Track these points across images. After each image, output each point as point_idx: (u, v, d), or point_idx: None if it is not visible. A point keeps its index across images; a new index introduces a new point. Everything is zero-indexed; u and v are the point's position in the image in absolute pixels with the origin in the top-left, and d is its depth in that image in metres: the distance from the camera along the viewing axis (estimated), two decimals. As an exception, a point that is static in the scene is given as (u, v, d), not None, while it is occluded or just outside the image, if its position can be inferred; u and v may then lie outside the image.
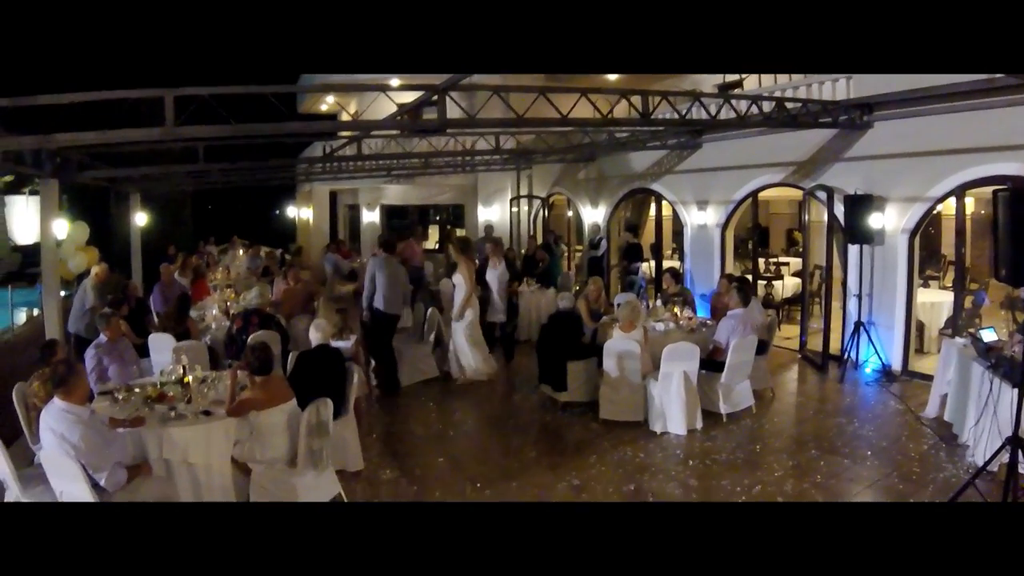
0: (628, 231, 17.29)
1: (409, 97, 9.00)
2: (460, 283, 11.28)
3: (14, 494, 5.94)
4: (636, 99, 9.62)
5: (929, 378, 9.91)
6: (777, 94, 12.28)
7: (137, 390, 7.28)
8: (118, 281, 12.00)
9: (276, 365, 7.02)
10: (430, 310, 11.86)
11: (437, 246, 25.66)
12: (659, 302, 11.96)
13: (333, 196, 29.16)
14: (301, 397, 6.61)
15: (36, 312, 14.17)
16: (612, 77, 19.87)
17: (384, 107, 9.65)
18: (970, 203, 11.40)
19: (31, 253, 28.94)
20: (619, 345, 9.18)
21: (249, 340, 9.09)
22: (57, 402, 5.63)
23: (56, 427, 5.53)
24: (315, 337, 7.92)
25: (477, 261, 12.59)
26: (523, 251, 18.40)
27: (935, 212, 11.43)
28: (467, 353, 11.35)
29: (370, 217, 25.64)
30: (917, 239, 11.23)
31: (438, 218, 28.25)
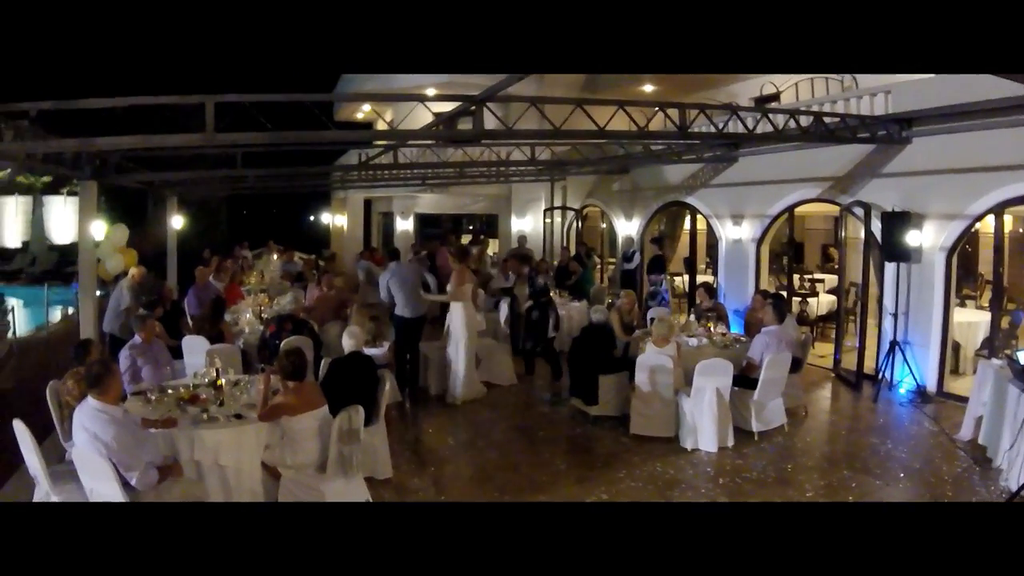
0: (653, 243, 17.19)
1: (445, 107, 9.04)
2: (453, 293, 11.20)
3: (44, 490, 6.01)
4: (673, 112, 9.60)
5: (964, 399, 9.75)
6: (815, 108, 12.19)
7: (170, 391, 7.34)
8: (154, 283, 12.13)
9: (309, 371, 7.05)
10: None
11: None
12: (692, 317, 11.88)
13: (367, 204, 29.30)
14: (333, 404, 6.63)
15: (71, 311, 14.39)
16: (648, 88, 19.87)
17: (420, 116, 9.71)
18: (1008, 221, 11.24)
19: (67, 252, 29.47)
20: (652, 359, 9.12)
21: (282, 345, 9.16)
22: (91, 401, 5.68)
23: (89, 426, 5.58)
24: (348, 344, 7.95)
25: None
26: (555, 262, 18.35)
27: (973, 230, 11.28)
28: (458, 375, 11.00)
29: (404, 225, 25.73)
30: (955, 257, 11.08)
31: (471, 228, 28.30)
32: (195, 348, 9.75)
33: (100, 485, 5.51)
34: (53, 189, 33.46)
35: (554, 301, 12.58)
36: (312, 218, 44.50)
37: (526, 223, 23.61)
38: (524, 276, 13.24)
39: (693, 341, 10.27)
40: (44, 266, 30.08)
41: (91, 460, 5.54)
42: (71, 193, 33.39)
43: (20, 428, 5.90)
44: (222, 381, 7.41)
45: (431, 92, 21.40)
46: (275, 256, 22.64)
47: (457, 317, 10.94)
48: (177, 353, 9.83)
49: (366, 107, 27.20)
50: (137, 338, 8.69)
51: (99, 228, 12.05)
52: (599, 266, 21.58)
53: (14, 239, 34.60)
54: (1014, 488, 6.98)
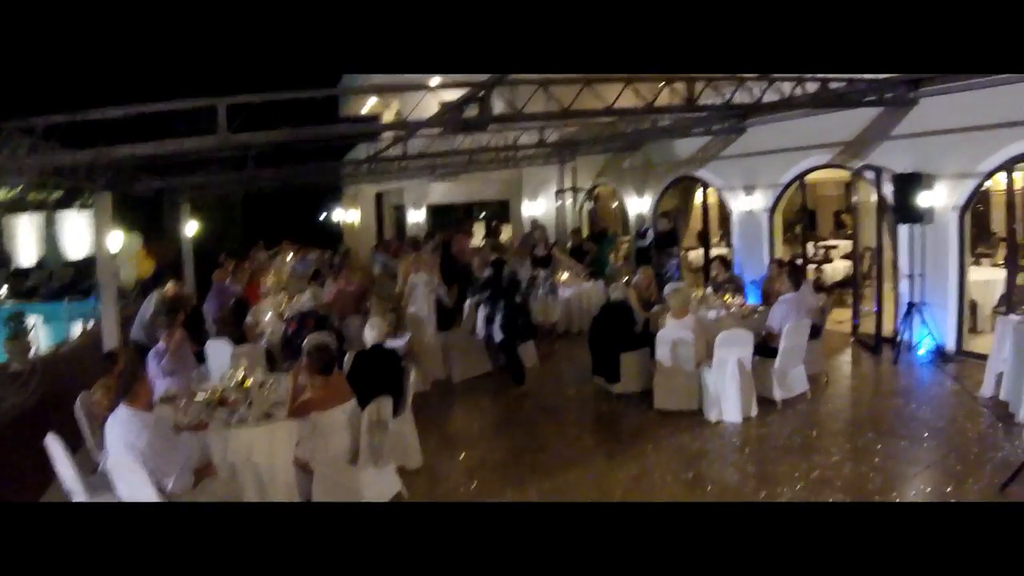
0: (662, 217, 17.14)
1: (451, 94, 9.08)
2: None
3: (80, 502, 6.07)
4: (680, 85, 9.61)
5: (984, 357, 9.73)
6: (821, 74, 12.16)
7: (198, 396, 7.43)
8: (186, 299, 12.16)
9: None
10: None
11: (483, 243, 25.73)
12: (709, 289, 11.90)
13: (379, 197, 29.38)
14: (360, 396, 6.71)
15: (91, 323, 14.50)
16: (653, 67, 19.80)
17: (426, 105, 9.75)
18: (1019, 177, 11.21)
19: (83, 267, 29.66)
20: (672, 333, 9.17)
21: (307, 341, 9.25)
22: (123, 409, 5.71)
23: (123, 434, 5.62)
24: (370, 337, 8.01)
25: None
26: (568, 243, 18.37)
27: (984, 188, 11.26)
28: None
29: (416, 217, 25.79)
30: (968, 216, 11.07)
31: (483, 214, 28.31)
32: (218, 351, 9.86)
33: (136, 492, 5.55)
34: (65, 204, 33.68)
35: (526, 302, 12.08)
36: (325, 214, 44.57)
37: (538, 206, 23.57)
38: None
39: (712, 314, 10.31)
40: (61, 282, 30.26)
41: (126, 468, 5.59)
42: (83, 206, 33.62)
43: (53, 441, 5.95)
44: (249, 382, 7.49)
45: (436, 81, 21.48)
46: (290, 256, 22.71)
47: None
48: (200, 358, 9.92)
49: (372, 101, 27.23)
50: (162, 344, 8.79)
51: (116, 238, 12.15)
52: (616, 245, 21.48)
53: (30, 257, 34.87)
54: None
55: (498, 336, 10.94)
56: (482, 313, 11.28)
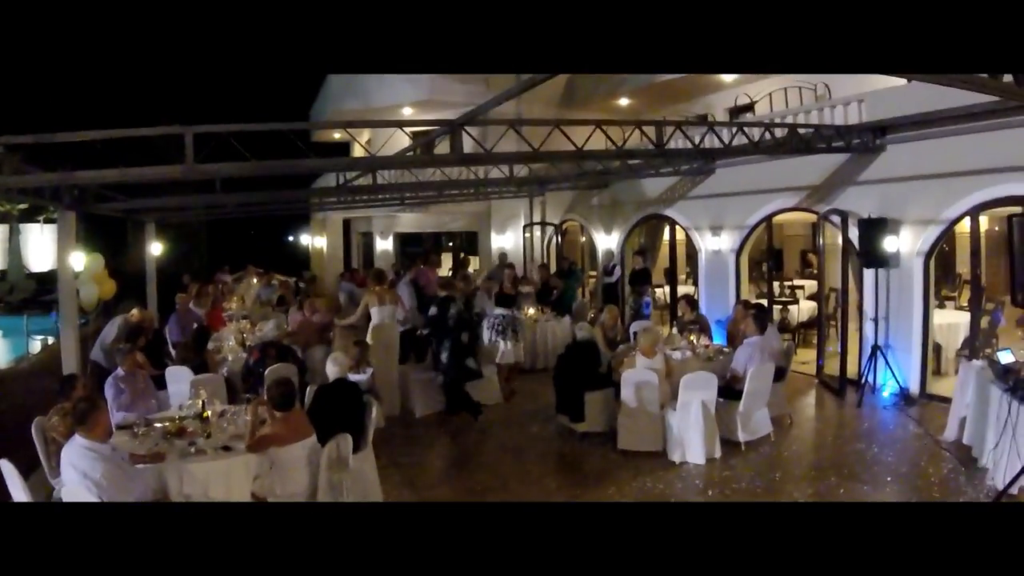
0: (637, 255, 17.25)
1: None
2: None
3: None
4: (649, 129, 9.68)
5: (948, 400, 9.84)
6: (789, 119, 12.32)
7: (156, 424, 7.32)
8: (149, 323, 11.97)
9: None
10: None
11: (451, 273, 25.70)
12: (675, 330, 11.92)
13: (347, 224, 29.30)
14: (320, 431, 6.65)
15: (51, 341, 14.29)
16: (624, 102, 20.01)
17: (398, 136, 9.73)
18: (984, 221, 11.37)
19: (45, 280, 29.32)
20: (637, 375, 9.17)
21: (267, 373, 9.15)
22: (78, 439, 5.67)
23: (79, 464, 5.58)
24: (332, 371, 7.93)
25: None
26: (536, 276, 18.38)
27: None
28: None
29: (384, 245, 25.74)
30: (932, 262, 11.21)
31: (451, 244, 28.31)
32: (179, 378, 9.70)
33: (91, 523, 5.47)
34: (29, 216, 33.29)
35: (474, 341, 11.65)
36: (292, 239, 44.38)
37: (507, 239, 23.61)
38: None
39: (677, 354, 10.33)
40: (23, 295, 29.90)
41: (82, 498, 5.51)
42: (48, 220, 33.24)
43: (6, 466, 5.86)
44: (208, 412, 7.39)
45: (408, 111, 21.49)
46: (255, 280, 22.54)
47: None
48: (160, 383, 9.77)
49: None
50: (120, 370, 8.66)
51: (78, 258, 11.98)
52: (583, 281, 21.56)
53: (-9, 268, 34.36)
54: (1000, 487, 7.05)
55: (440, 378, 10.93)
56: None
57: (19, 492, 5.89)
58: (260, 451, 6.48)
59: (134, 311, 11.73)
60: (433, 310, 11.06)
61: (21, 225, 33.50)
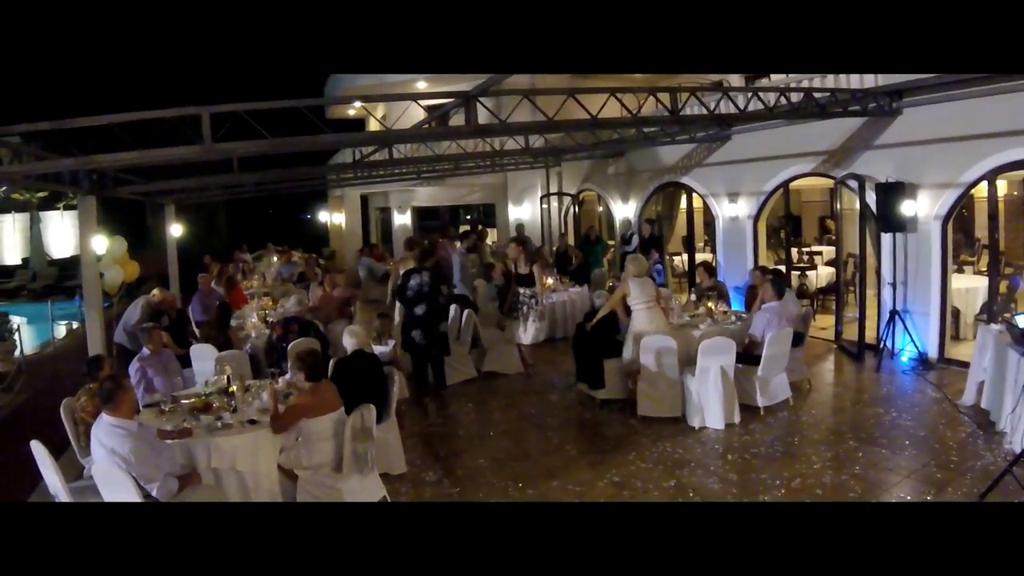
0: (647, 223, 17.23)
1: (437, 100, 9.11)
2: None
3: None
4: (664, 96, 9.67)
5: (966, 365, 9.85)
6: (805, 83, 12.23)
7: (183, 401, 7.44)
8: (171, 304, 12.13)
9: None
10: (466, 311, 11.91)
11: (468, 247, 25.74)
12: (693, 296, 11.95)
13: (364, 200, 29.37)
14: (343, 403, 6.74)
15: (76, 325, 14.45)
16: (639, 75, 19.93)
17: (412, 110, 9.77)
18: (1002, 185, 11.28)
19: (67, 266, 29.62)
20: (657, 342, 9.22)
21: (291, 347, 9.26)
22: (106, 417, 5.80)
23: (107, 442, 5.70)
24: (349, 344, 8.03)
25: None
26: (554, 248, 18.42)
27: (969, 194, 11.36)
28: None
29: (401, 219, 25.81)
30: (950, 225, 11.16)
31: (468, 218, 28.34)
32: (204, 356, 9.85)
33: (121, 498, 5.58)
34: (49, 204, 33.61)
35: (440, 313, 11.37)
36: (310, 216, 44.53)
37: (524, 211, 23.64)
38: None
39: (698, 331, 10.32)
40: (45, 281, 30.24)
41: (111, 475, 5.63)
42: (67, 207, 33.55)
43: (38, 448, 5.97)
44: (233, 388, 7.49)
45: (422, 85, 21.46)
46: (275, 258, 22.70)
47: None
48: (185, 362, 9.92)
49: (358, 104, 27.22)
50: (145, 350, 8.79)
51: (100, 242, 12.11)
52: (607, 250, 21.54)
53: (14, 256, 34.74)
54: (1018, 451, 7.07)
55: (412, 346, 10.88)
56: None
57: (50, 473, 6.00)
58: (287, 425, 6.57)
59: (155, 291, 11.86)
60: (400, 282, 11.15)
61: (41, 213, 33.81)
